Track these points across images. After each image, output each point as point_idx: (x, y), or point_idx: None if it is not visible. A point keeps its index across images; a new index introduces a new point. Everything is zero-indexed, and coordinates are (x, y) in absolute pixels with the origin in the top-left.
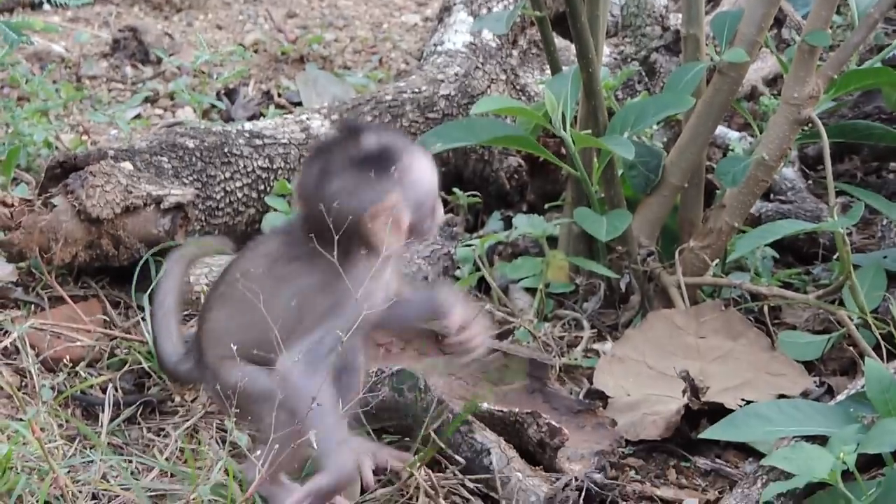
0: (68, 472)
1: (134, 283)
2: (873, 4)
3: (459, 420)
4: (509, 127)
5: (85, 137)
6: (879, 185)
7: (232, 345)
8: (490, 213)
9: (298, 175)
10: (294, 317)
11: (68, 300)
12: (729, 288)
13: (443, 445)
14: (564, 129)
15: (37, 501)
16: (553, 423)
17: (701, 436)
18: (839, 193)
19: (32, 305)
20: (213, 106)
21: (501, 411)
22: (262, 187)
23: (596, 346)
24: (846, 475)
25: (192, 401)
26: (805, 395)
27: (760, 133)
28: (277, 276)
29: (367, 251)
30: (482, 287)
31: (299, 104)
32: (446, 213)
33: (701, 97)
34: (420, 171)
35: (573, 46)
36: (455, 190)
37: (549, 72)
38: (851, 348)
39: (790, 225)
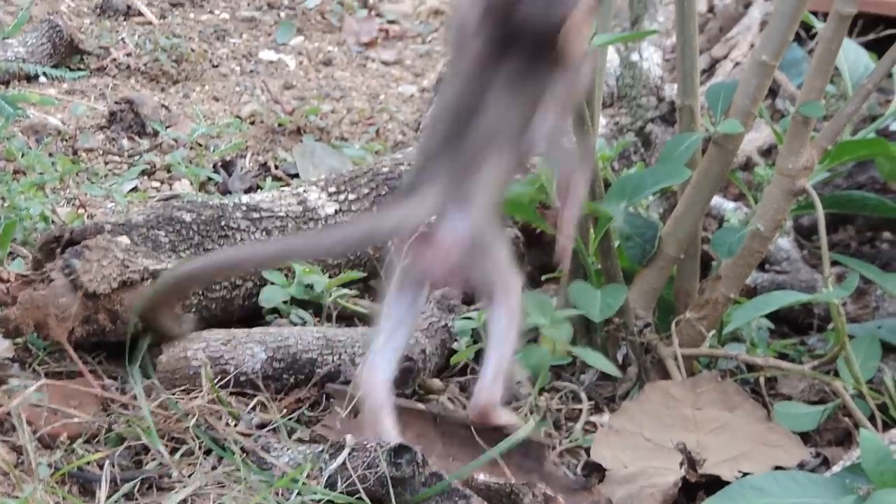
0: None
1: (132, 357)
2: (866, 75)
3: (445, 484)
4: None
5: (81, 211)
6: (874, 255)
7: None
8: None
9: None
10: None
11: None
12: (725, 359)
13: None
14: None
15: None
16: (549, 492)
17: None
18: (834, 263)
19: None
20: (210, 178)
21: (497, 483)
22: None
23: (593, 418)
24: None
25: (190, 476)
26: (801, 466)
27: (755, 204)
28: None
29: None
30: (480, 360)
31: (296, 176)
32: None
33: (696, 168)
34: None
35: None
36: None
37: None
38: (847, 419)
39: (785, 296)
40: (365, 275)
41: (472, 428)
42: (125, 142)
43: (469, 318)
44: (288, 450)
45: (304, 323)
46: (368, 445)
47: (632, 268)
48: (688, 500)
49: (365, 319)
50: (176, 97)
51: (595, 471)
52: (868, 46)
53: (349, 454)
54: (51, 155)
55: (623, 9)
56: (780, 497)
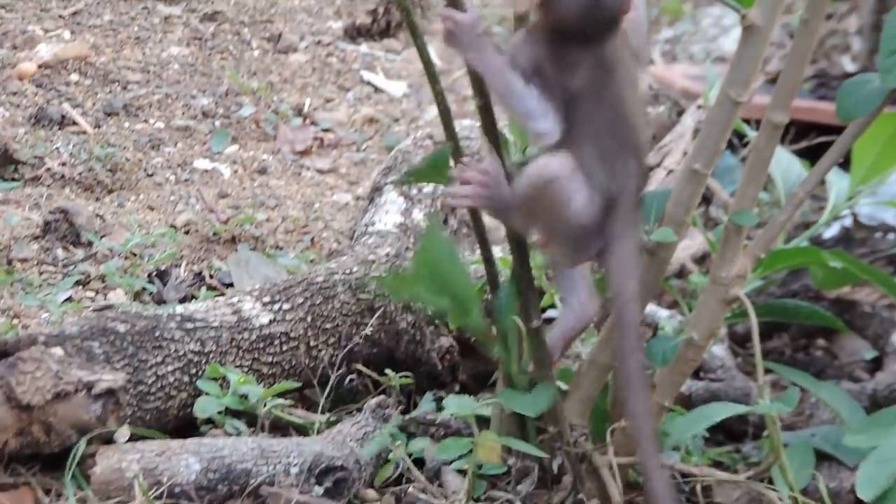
0: None
1: (67, 469)
2: (799, 183)
3: None
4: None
5: (16, 321)
6: (808, 363)
7: None
8: (422, 394)
9: None
10: None
11: None
12: None
13: None
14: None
15: None
16: None
17: None
18: (768, 371)
19: None
20: (145, 288)
21: None
22: (193, 371)
23: None
24: None
25: None
26: None
27: (689, 312)
28: None
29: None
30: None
31: (231, 285)
32: (378, 393)
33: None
34: None
35: (503, 227)
36: (387, 371)
37: (479, 251)
38: None
39: (724, 409)
40: (300, 385)
41: None
42: (60, 252)
43: (402, 430)
44: None
45: (239, 433)
46: None
47: (566, 377)
48: None
49: (300, 429)
50: (111, 206)
51: None
52: (801, 154)
53: None
54: None
55: None
56: None
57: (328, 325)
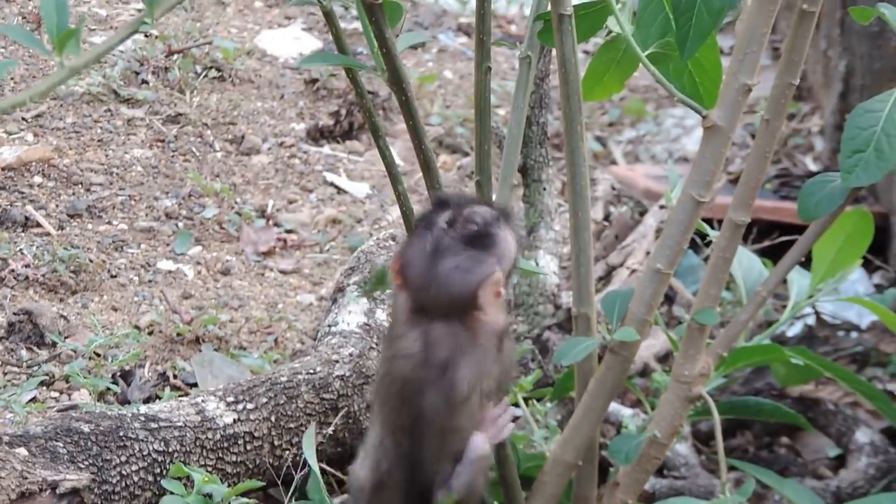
0: None
1: None
2: (761, 282)
3: None
4: None
5: None
6: (771, 460)
7: None
8: None
9: (401, 255)
10: None
11: None
12: None
13: None
14: None
15: None
16: None
17: None
18: (731, 469)
19: None
20: (109, 389)
21: None
22: (157, 471)
23: None
24: None
25: None
26: None
27: (653, 410)
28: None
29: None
30: None
31: (195, 385)
32: (342, 492)
33: (593, 376)
34: (510, 244)
35: None
36: (350, 467)
37: None
38: None
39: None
40: (264, 484)
41: None
42: (24, 352)
43: None
44: None
45: None
46: None
47: (530, 474)
48: None
49: None
50: (75, 307)
51: None
52: (763, 253)
53: None
54: None
55: (520, 217)
56: None
57: (292, 425)
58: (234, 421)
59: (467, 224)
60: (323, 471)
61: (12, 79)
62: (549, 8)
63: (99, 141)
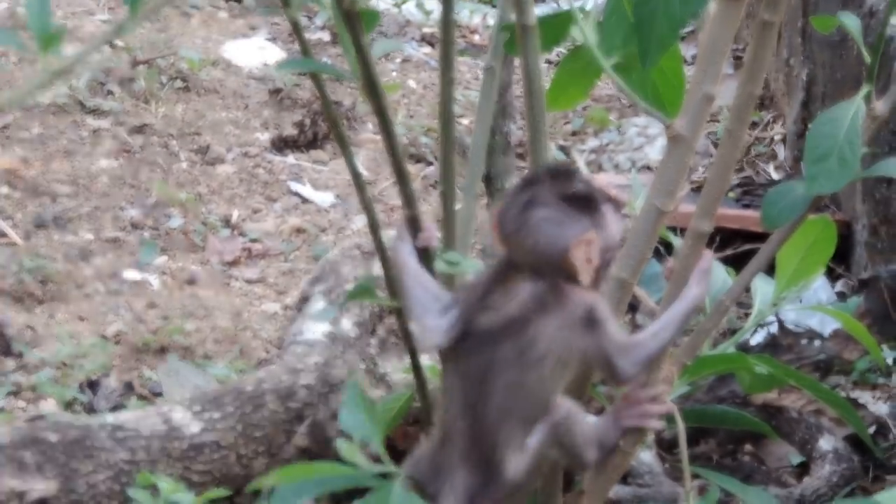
0: None
1: None
2: (724, 290)
3: None
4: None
5: None
6: (735, 468)
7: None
8: (351, 500)
9: (499, 208)
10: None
11: None
12: None
13: None
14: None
15: None
16: None
17: None
18: (695, 476)
19: None
20: (76, 398)
21: None
22: (124, 479)
23: None
24: None
25: None
26: None
27: None
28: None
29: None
30: None
31: (161, 395)
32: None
33: None
34: (614, 223)
35: None
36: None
37: (408, 360)
38: None
39: None
40: (231, 492)
41: None
42: None
43: None
44: None
45: None
46: None
47: None
48: None
49: None
50: (41, 317)
51: None
52: (727, 261)
53: None
54: None
55: (484, 224)
56: None
57: (258, 434)
58: (201, 430)
59: (570, 183)
60: None
61: None
62: (513, 18)
63: (65, 152)
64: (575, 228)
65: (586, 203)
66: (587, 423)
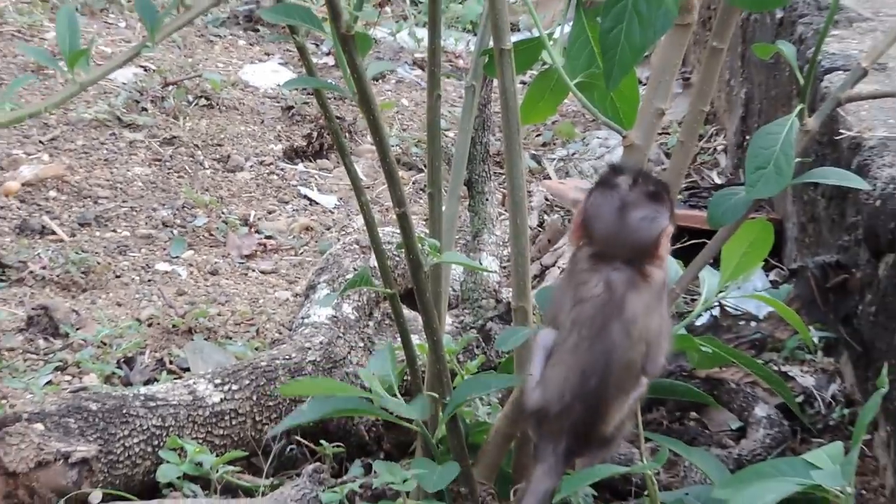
0: None
1: None
2: (675, 280)
3: None
4: (353, 400)
5: (4, 401)
6: (682, 432)
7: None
8: (352, 461)
9: (585, 212)
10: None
11: None
12: None
13: None
14: (394, 395)
15: None
16: None
17: None
18: (647, 440)
19: None
20: (114, 373)
21: None
22: (156, 443)
23: None
24: None
25: None
26: None
27: None
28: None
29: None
30: None
31: (188, 370)
32: (314, 461)
33: None
34: (670, 205)
35: (420, 317)
36: (322, 442)
37: (399, 339)
38: None
39: (606, 469)
40: (247, 454)
41: None
42: (41, 342)
43: (335, 493)
44: None
45: (195, 495)
46: None
47: (477, 442)
48: None
49: (247, 492)
50: (84, 303)
51: None
52: (676, 255)
53: None
54: None
55: (465, 222)
56: None
57: (271, 403)
58: (221, 400)
59: (647, 184)
60: (297, 443)
61: (23, 98)
62: (491, 44)
63: (105, 160)
64: (662, 222)
65: (663, 199)
66: None
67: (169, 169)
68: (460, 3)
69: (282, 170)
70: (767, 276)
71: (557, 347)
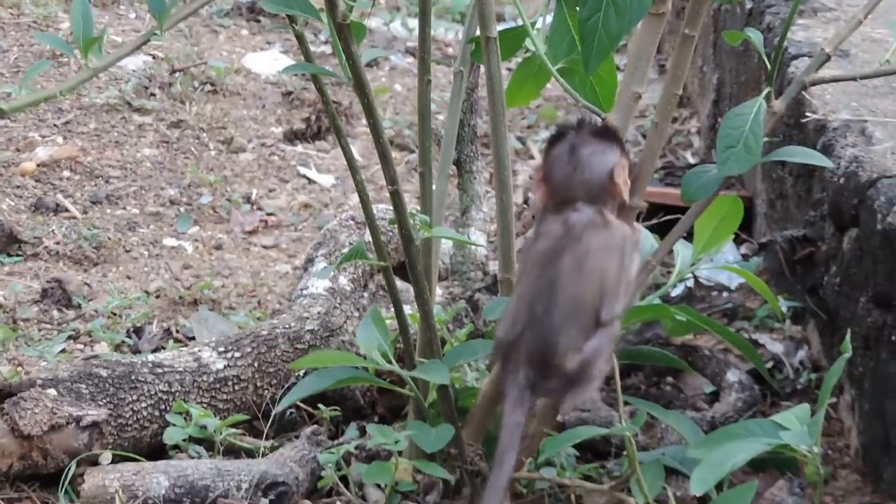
0: None
1: (61, 486)
2: (651, 253)
3: None
4: (351, 370)
5: (19, 368)
6: (659, 396)
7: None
8: (348, 424)
9: (542, 165)
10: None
11: None
12: (541, 480)
13: None
14: (390, 363)
15: None
16: None
17: None
18: (626, 404)
19: None
20: (124, 342)
21: None
22: (162, 407)
23: None
24: None
25: None
26: None
27: None
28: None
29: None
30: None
31: (193, 339)
32: (312, 424)
33: None
34: (623, 142)
35: (412, 288)
36: (319, 406)
37: (393, 309)
38: None
39: (588, 430)
40: (248, 417)
41: None
42: (55, 313)
43: (332, 453)
44: None
45: (200, 456)
46: None
47: (466, 406)
48: None
49: (249, 453)
50: (96, 276)
51: None
52: (652, 229)
53: None
54: None
55: (455, 200)
56: None
57: (271, 370)
58: (225, 367)
59: (593, 126)
60: (296, 407)
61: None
62: (478, 32)
63: (116, 142)
64: (613, 155)
65: (611, 136)
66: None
67: (176, 150)
68: None
69: (282, 151)
70: (738, 249)
71: (516, 283)
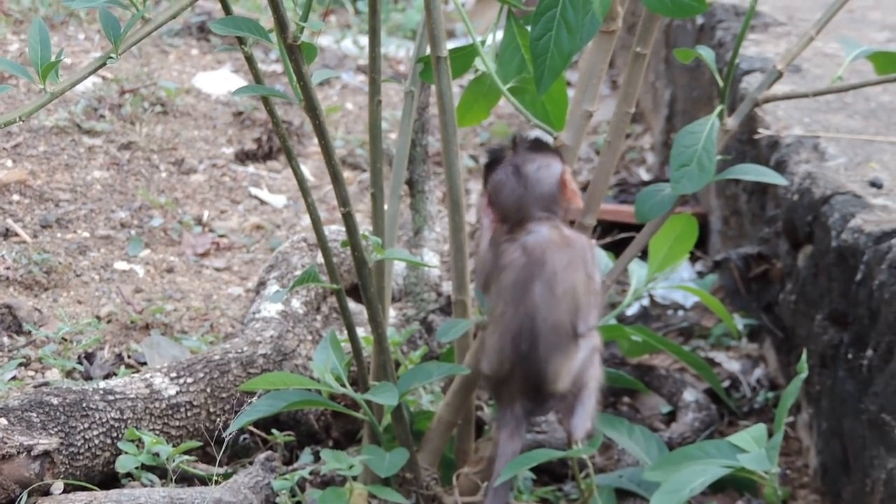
0: None
1: None
2: (606, 272)
3: None
4: (304, 393)
5: None
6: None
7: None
8: (302, 449)
9: (488, 190)
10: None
11: None
12: None
13: None
14: (343, 386)
15: None
16: None
17: None
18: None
19: None
20: (75, 368)
21: None
22: (114, 435)
23: None
24: None
25: None
26: None
27: None
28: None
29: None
30: None
31: (145, 364)
32: (266, 449)
33: (468, 350)
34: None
35: (365, 310)
36: (273, 431)
37: (346, 332)
38: None
39: (544, 453)
40: (201, 443)
41: None
42: (5, 339)
43: (286, 479)
44: None
45: (153, 484)
46: None
47: (421, 429)
48: None
49: (202, 480)
50: (47, 302)
51: None
52: (606, 248)
53: None
54: None
55: (407, 220)
56: None
57: (224, 395)
58: (177, 392)
59: (527, 143)
60: (250, 432)
61: None
62: (428, 51)
63: (66, 165)
64: (556, 164)
65: (546, 148)
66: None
67: (126, 172)
68: (401, 10)
69: (233, 172)
70: (693, 266)
71: (491, 316)
